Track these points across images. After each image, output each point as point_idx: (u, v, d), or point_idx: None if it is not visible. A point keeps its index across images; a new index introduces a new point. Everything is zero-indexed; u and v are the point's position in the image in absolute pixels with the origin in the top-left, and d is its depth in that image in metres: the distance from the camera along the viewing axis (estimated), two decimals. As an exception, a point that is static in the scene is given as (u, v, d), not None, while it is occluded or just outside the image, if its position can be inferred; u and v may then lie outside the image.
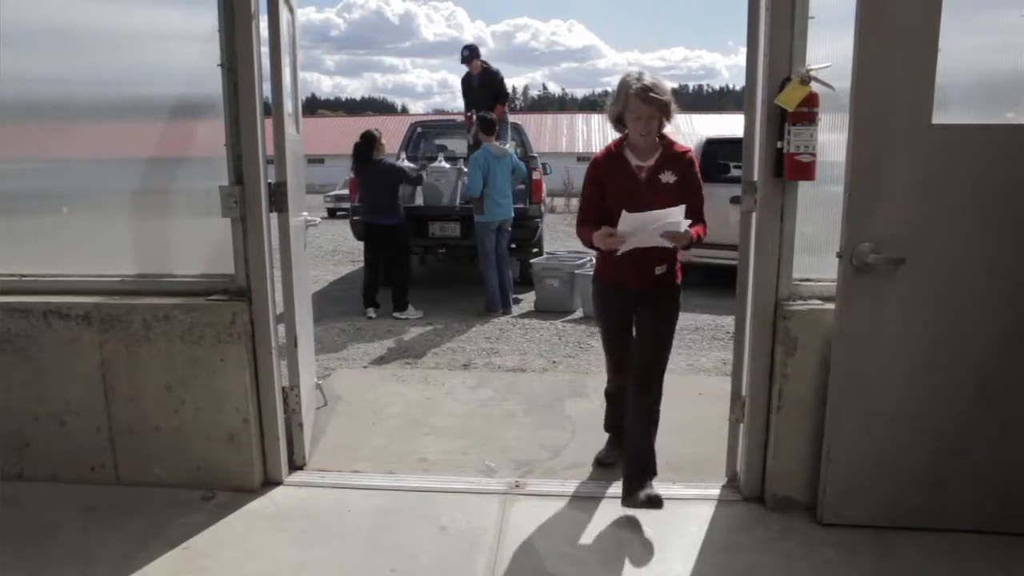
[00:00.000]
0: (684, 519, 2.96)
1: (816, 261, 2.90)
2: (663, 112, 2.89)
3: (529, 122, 36.97)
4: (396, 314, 7.11)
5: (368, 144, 7.22)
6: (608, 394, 3.55)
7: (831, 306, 2.78)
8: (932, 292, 2.66)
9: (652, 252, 2.94)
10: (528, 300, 7.81)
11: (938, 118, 2.54)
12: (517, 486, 3.25)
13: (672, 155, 2.99)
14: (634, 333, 3.15)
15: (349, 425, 4.07)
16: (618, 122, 2.98)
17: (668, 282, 3.09)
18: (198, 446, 3.16)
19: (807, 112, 2.72)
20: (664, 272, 3.05)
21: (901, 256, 2.59)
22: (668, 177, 2.95)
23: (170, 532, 2.85)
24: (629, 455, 3.05)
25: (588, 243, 3.00)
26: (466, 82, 8.66)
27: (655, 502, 2.88)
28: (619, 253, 2.87)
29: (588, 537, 2.86)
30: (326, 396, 4.34)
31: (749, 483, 3.07)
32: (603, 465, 3.48)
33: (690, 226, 2.85)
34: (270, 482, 3.23)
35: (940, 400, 2.72)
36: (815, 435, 2.87)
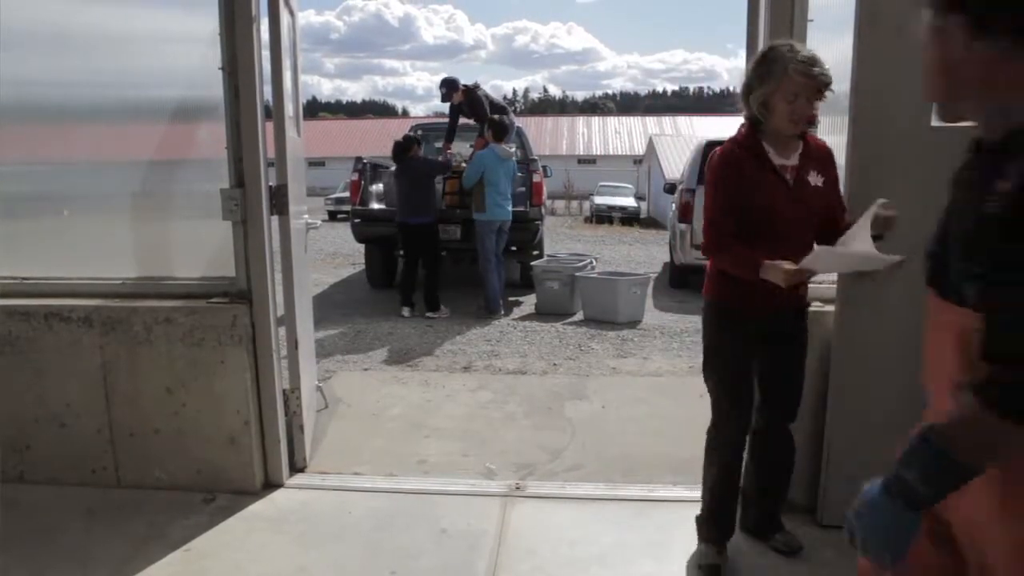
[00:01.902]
0: (684, 520, 2.96)
1: (816, 263, 2.90)
2: (823, 90, 2.31)
3: (530, 125, 37.07)
4: (429, 314, 7.19)
5: (407, 146, 7.38)
6: (726, 466, 2.62)
7: (831, 308, 2.79)
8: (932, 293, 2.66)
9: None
10: (528, 302, 7.81)
11: (937, 120, 2.54)
12: (517, 488, 3.25)
13: (814, 151, 2.45)
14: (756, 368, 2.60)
15: (350, 427, 4.08)
16: (763, 107, 2.33)
17: (801, 305, 2.58)
18: (199, 448, 3.16)
19: (806, 114, 2.72)
20: (799, 292, 2.49)
21: (901, 257, 2.59)
22: (816, 179, 2.42)
23: (171, 534, 2.85)
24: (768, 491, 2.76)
25: (749, 270, 2.29)
26: (455, 114, 8.51)
27: (797, 550, 2.67)
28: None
29: (588, 539, 2.86)
30: (327, 398, 4.35)
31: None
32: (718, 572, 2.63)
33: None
34: (271, 484, 3.23)
35: (940, 402, 2.72)
36: (815, 437, 2.87)
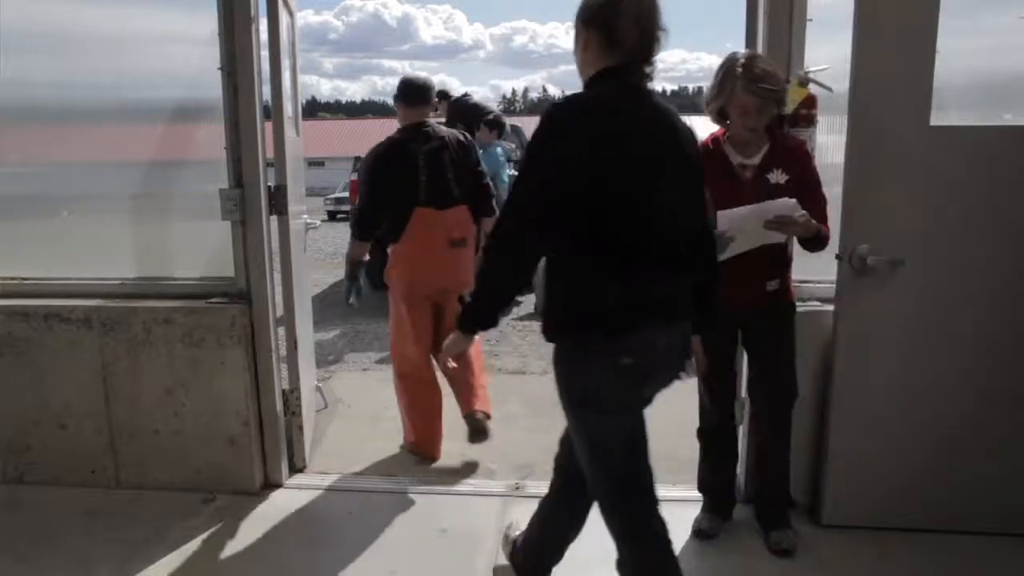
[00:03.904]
0: (684, 521, 2.96)
1: (815, 262, 2.90)
2: (773, 103, 2.46)
3: (528, 125, 36.94)
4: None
5: None
6: (701, 433, 2.90)
7: (830, 307, 2.79)
8: (931, 293, 2.66)
9: (762, 261, 2.53)
10: (528, 302, 7.80)
11: (936, 119, 2.55)
12: (517, 488, 3.25)
13: (782, 149, 2.56)
14: (745, 367, 2.80)
15: (349, 428, 4.08)
16: (719, 115, 2.55)
17: (783, 300, 2.66)
18: (198, 449, 3.16)
19: (805, 114, 2.72)
20: (777, 288, 2.61)
21: (900, 257, 2.60)
22: (778, 177, 2.53)
23: (170, 535, 2.85)
24: (765, 491, 2.87)
25: None
26: (448, 123, 8.55)
27: (788, 553, 2.69)
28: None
29: (588, 539, 2.86)
30: (326, 399, 4.34)
31: (749, 485, 3.07)
32: (703, 537, 2.82)
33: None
34: (270, 485, 3.23)
35: (940, 401, 2.72)
36: (815, 436, 2.87)
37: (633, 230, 1.81)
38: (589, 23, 1.88)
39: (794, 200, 2.42)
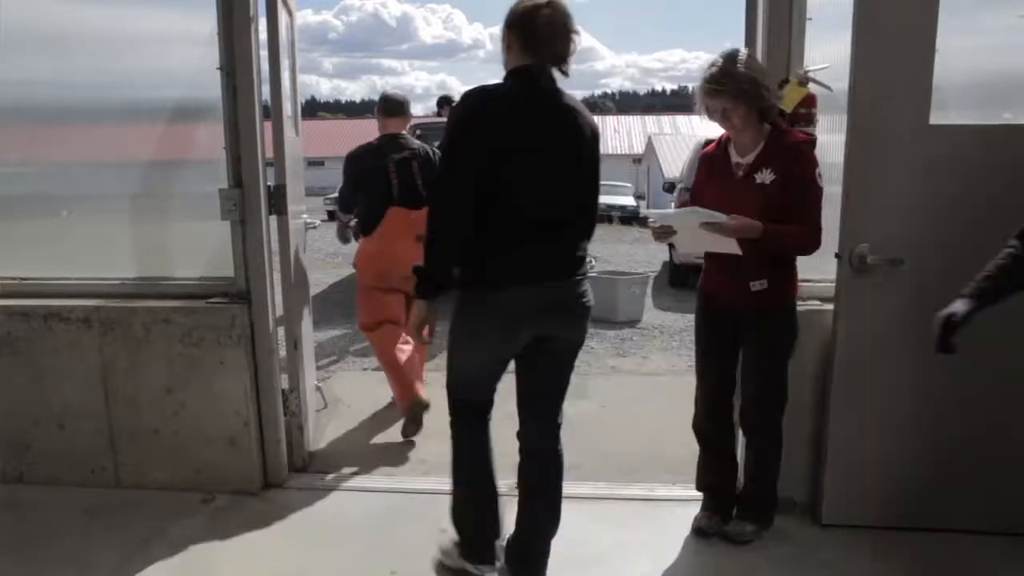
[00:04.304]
0: (683, 520, 2.96)
1: (815, 261, 2.90)
2: (742, 100, 2.47)
3: (528, 124, 36.85)
4: None
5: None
6: (695, 430, 2.93)
7: (830, 307, 2.79)
8: (931, 292, 2.65)
9: (748, 261, 2.53)
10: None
11: (936, 119, 2.55)
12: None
13: (776, 149, 2.52)
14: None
15: (349, 427, 4.08)
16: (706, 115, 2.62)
17: (771, 302, 2.61)
18: (198, 449, 3.16)
19: (805, 113, 2.72)
20: (764, 289, 2.57)
21: (899, 256, 2.60)
22: (765, 177, 2.51)
23: (170, 535, 2.85)
24: (747, 487, 2.88)
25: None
26: None
27: (733, 538, 2.76)
28: (679, 259, 2.73)
29: (588, 538, 2.86)
30: (326, 398, 4.34)
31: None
32: (701, 535, 2.84)
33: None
34: (270, 484, 3.23)
35: (940, 400, 2.72)
36: (814, 436, 2.88)
37: (510, 209, 2.19)
38: (511, 27, 2.19)
39: (724, 216, 2.47)
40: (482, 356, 2.35)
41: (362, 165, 3.89)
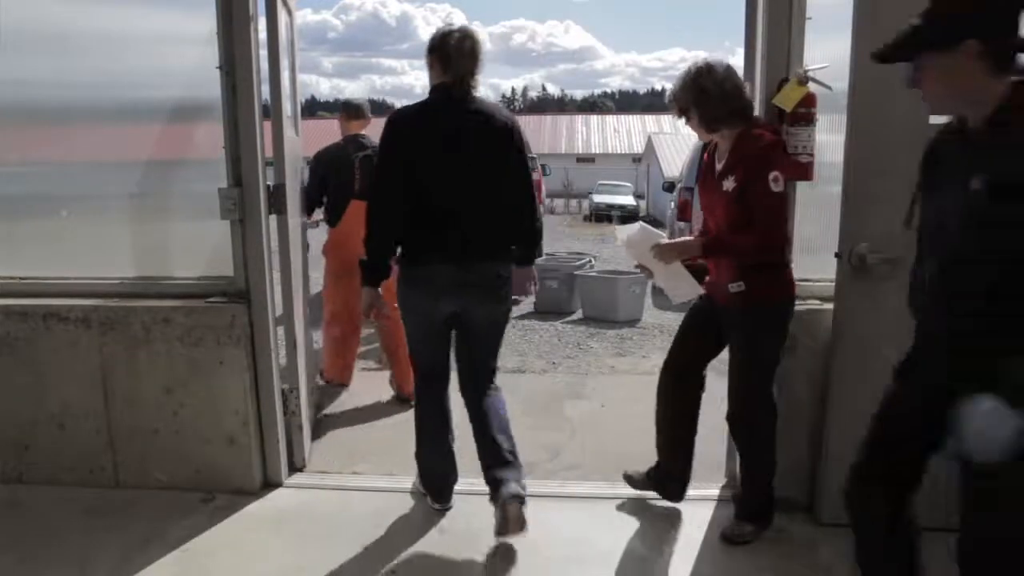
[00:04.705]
0: (683, 520, 2.96)
1: (814, 261, 2.90)
2: (687, 112, 2.64)
3: (528, 123, 37.04)
4: None
5: None
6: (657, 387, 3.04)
7: (830, 306, 2.79)
8: (930, 292, 2.66)
9: (727, 262, 2.67)
10: (527, 301, 7.81)
11: (935, 118, 2.54)
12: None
13: (738, 155, 2.61)
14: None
15: (349, 427, 4.08)
16: None
17: (750, 303, 2.65)
18: (197, 448, 3.16)
19: (805, 112, 2.73)
20: (742, 291, 2.63)
21: (899, 256, 2.59)
22: (729, 183, 2.60)
23: (170, 534, 2.85)
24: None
25: None
26: None
27: (732, 538, 2.80)
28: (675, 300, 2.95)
29: (587, 538, 2.86)
30: (325, 398, 4.35)
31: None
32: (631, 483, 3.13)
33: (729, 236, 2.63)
34: (270, 484, 3.23)
35: (939, 400, 2.71)
36: (814, 435, 2.87)
37: (427, 203, 2.66)
38: (430, 52, 2.71)
39: (638, 225, 2.86)
40: (415, 319, 2.83)
41: (329, 163, 4.28)
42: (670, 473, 3.01)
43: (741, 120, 2.62)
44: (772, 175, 2.52)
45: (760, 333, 2.70)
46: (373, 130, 4.55)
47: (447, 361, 2.95)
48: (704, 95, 2.58)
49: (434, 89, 2.71)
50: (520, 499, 2.74)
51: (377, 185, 2.77)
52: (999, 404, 1.54)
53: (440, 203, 2.67)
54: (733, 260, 2.65)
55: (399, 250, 2.75)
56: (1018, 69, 1.56)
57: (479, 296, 2.76)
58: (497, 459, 2.85)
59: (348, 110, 4.49)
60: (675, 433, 2.98)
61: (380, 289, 2.79)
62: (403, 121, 2.72)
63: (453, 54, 2.63)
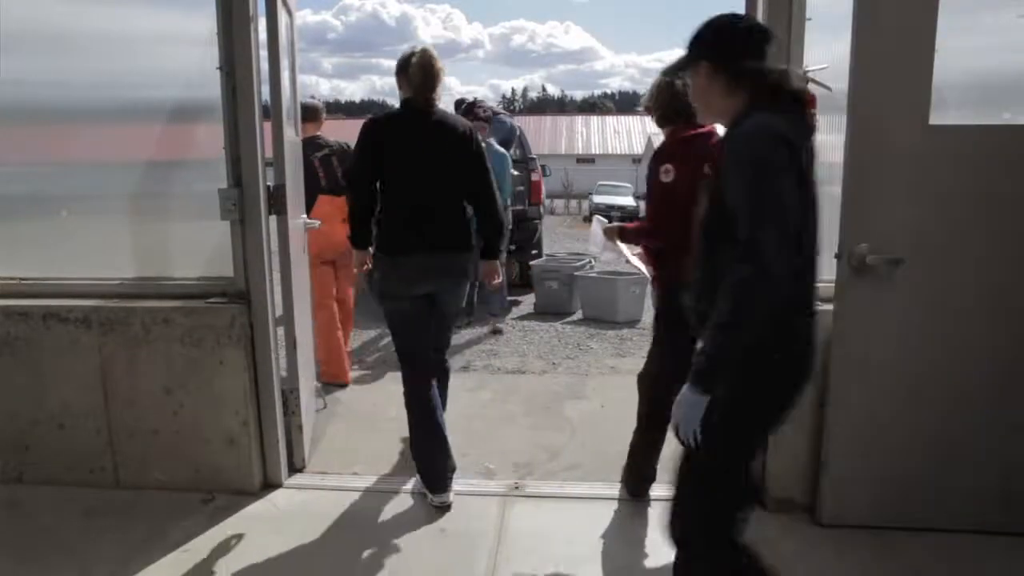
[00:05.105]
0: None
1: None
2: (650, 110, 3.00)
3: (528, 124, 37.01)
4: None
5: None
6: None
7: (829, 307, 2.78)
8: (930, 292, 2.66)
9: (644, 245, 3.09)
10: (528, 302, 7.81)
11: (935, 119, 2.55)
12: (516, 488, 3.25)
13: (699, 151, 2.85)
14: None
15: (348, 427, 4.08)
16: None
17: (654, 285, 3.07)
18: (197, 449, 3.16)
19: (805, 113, 2.72)
20: (655, 275, 3.03)
21: (899, 257, 2.60)
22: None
23: (170, 534, 2.85)
24: None
25: None
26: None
27: None
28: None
29: (587, 538, 2.86)
30: (325, 399, 4.35)
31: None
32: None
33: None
34: (270, 484, 3.23)
35: (939, 400, 2.72)
36: (814, 436, 2.87)
37: (395, 198, 3.06)
38: (399, 72, 3.12)
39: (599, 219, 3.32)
40: (394, 305, 3.14)
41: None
42: (644, 473, 3.13)
43: (684, 120, 2.81)
44: (664, 167, 2.83)
45: (660, 313, 3.02)
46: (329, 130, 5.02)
47: (427, 345, 3.21)
48: (660, 95, 2.89)
49: (403, 103, 3.12)
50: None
51: (352, 181, 3.24)
52: (686, 386, 1.72)
53: (410, 201, 3.04)
54: (639, 243, 3.11)
55: (377, 244, 3.14)
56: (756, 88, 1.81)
57: (449, 282, 3.16)
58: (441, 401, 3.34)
59: (305, 113, 4.52)
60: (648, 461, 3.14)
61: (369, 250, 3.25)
62: (376, 128, 3.11)
63: (415, 74, 3.02)
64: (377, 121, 3.19)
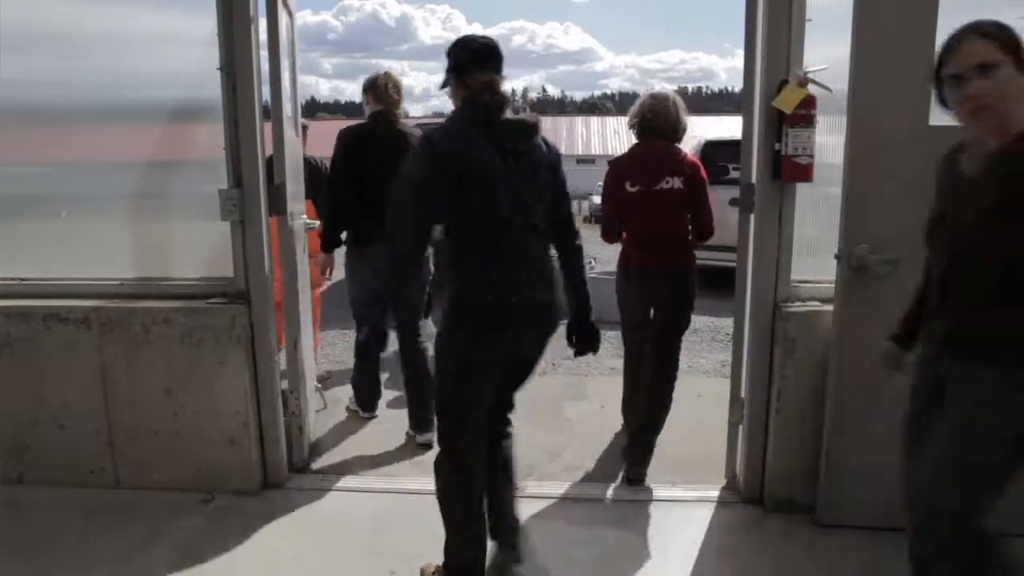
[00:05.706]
0: (683, 521, 2.96)
1: (814, 262, 2.91)
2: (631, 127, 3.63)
3: (528, 124, 36.82)
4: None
5: None
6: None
7: (829, 307, 2.79)
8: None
9: None
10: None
11: (935, 119, 2.54)
12: (516, 488, 3.24)
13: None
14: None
15: (348, 428, 4.07)
16: None
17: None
18: (198, 449, 3.16)
19: (805, 114, 2.73)
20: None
21: (899, 257, 2.60)
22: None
23: (170, 535, 2.85)
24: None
25: None
26: None
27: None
28: None
29: (587, 539, 2.86)
30: (325, 399, 4.34)
31: (748, 485, 3.07)
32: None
33: None
34: (270, 485, 3.23)
35: (939, 401, 2.71)
36: (814, 436, 2.87)
37: (368, 196, 3.50)
38: (366, 91, 3.78)
39: None
40: (360, 285, 3.75)
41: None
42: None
43: (669, 139, 3.47)
44: (598, 184, 3.49)
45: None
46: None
47: (384, 318, 3.89)
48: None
49: (371, 115, 3.75)
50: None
51: (332, 183, 3.77)
52: None
53: (378, 198, 3.16)
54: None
55: (347, 234, 3.73)
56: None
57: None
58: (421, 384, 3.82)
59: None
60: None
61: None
62: (351, 138, 3.73)
63: (382, 92, 3.70)
64: (352, 130, 3.77)
